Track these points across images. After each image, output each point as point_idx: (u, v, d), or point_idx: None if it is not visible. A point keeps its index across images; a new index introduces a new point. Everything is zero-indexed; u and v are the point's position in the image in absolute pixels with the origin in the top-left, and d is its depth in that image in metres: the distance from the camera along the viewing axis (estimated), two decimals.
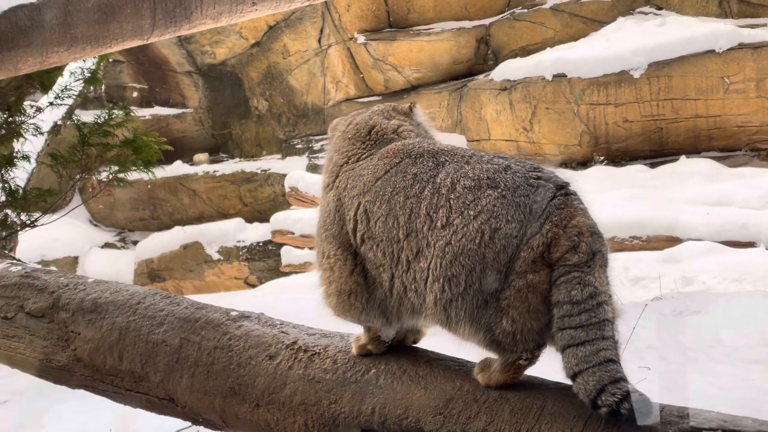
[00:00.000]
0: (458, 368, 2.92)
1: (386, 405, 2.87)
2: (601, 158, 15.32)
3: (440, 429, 2.76)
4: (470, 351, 2.89)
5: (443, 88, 17.68)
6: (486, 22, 17.80)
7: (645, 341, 7.11)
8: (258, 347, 3.21)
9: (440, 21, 17.95)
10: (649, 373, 6.05)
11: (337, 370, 3.02)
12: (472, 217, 2.85)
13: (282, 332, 3.24)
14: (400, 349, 3.06)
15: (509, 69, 16.31)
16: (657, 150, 15.11)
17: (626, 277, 10.47)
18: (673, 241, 11.63)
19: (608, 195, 13.19)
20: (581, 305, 2.73)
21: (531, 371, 2.89)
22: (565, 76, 15.49)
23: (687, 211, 11.89)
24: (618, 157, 15.29)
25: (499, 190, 2.86)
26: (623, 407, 2.58)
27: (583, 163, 15.43)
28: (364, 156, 3.28)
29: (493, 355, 2.89)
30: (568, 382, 2.70)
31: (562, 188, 2.89)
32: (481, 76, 17.32)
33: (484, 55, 17.86)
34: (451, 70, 17.84)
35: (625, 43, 15.31)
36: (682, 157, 14.61)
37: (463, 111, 17.02)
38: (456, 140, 16.97)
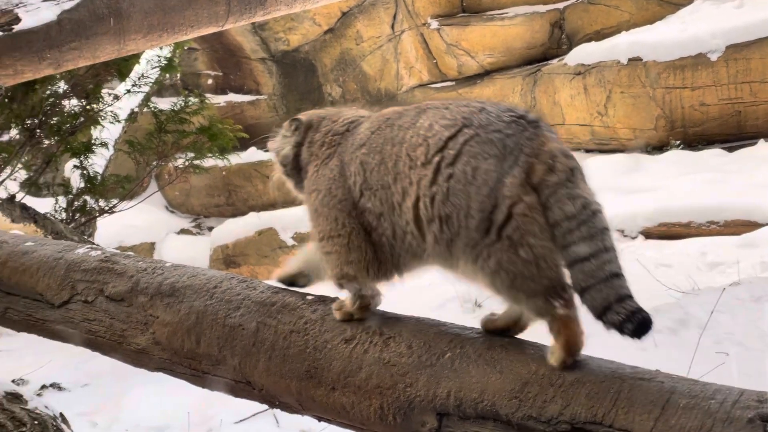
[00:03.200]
0: (533, 352, 2.90)
1: (462, 389, 2.87)
2: (677, 143, 15.11)
3: (516, 412, 2.75)
4: (545, 334, 2.88)
5: (517, 73, 17.57)
6: (560, 6, 17.65)
7: (723, 326, 7.04)
8: (334, 331, 3.22)
9: (514, 5, 17.84)
10: (728, 358, 6.00)
11: (412, 354, 3.02)
12: (453, 156, 3.03)
13: None
14: (475, 335, 3.06)
15: (583, 53, 16.17)
16: (734, 134, 14.86)
17: (703, 262, 10.35)
18: (751, 225, 11.46)
19: (684, 179, 13.05)
20: (578, 218, 2.85)
21: (605, 354, 2.87)
22: (641, 59, 15.30)
23: (766, 196, 11.71)
24: (694, 142, 15.08)
25: (474, 128, 3.03)
26: (626, 327, 2.74)
27: (659, 148, 15.25)
28: (363, 123, 3.48)
29: (529, 313, 2.97)
30: (644, 366, 2.73)
31: (533, 122, 3.04)
32: (555, 61, 17.17)
33: (558, 40, 17.71)
34: (525, 54, 17.72)
35: (702, 25, 15.07)
36: (761, 141, 14.37)
37: (536, 96, 16.91)
38: None
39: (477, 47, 17.83)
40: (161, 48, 11.04)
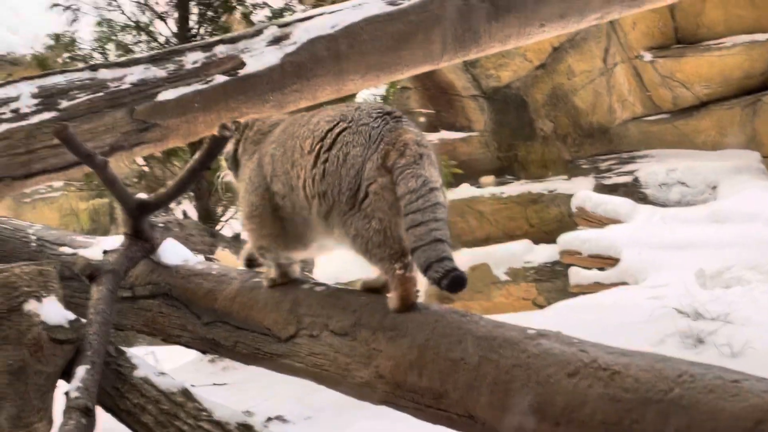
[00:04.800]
0: None
1: (690, 426, 2.80)
2: None
3: None
4: None
5: (735, 104, 17.10)
6: None
7: None
8: (556, 365, 3.20)
9: (731, 35, 17.36)
10: None
11: (638, 389, 2.97)
12: (329, 144, 3.77)
13: (581, 350, 3.21)
14: (703, 371, 2.98)
15: None
16: None
17: None
18: None
19: None
20: (417, 192, 3.53)
21: None
22: None
23: None
24: None
25: (347, 122, 3.78)
26: (443, 282, 3.42)
27: None
28: (280, 123, 4.27)
29: (375, 270, 3.75)
30: None
31: (396, 117, 3.79)
32: None
33: None
34: (743, 84, 17.23)
35: None
36: None
37: (756, 126, 16.41)
38: (748, 157, 16.39)
39: (693, 78, 17.45)
40: (376, 87, 11.25)
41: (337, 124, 3.80)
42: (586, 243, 13.79)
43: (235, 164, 4.42)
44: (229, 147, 4.43)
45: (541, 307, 15.65)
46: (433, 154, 3.70)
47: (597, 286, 12.57)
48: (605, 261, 13.26)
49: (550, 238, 16.70)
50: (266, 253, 4.19)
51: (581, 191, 15.70)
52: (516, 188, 18.76)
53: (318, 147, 3.80)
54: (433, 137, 18.73)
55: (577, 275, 13.67)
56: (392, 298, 3.68)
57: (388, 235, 3.63)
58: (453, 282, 3.43)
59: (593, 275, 13.26)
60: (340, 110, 3.90)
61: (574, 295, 13.11)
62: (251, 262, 4.46)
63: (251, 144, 4.33)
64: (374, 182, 3.64)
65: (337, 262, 14.28)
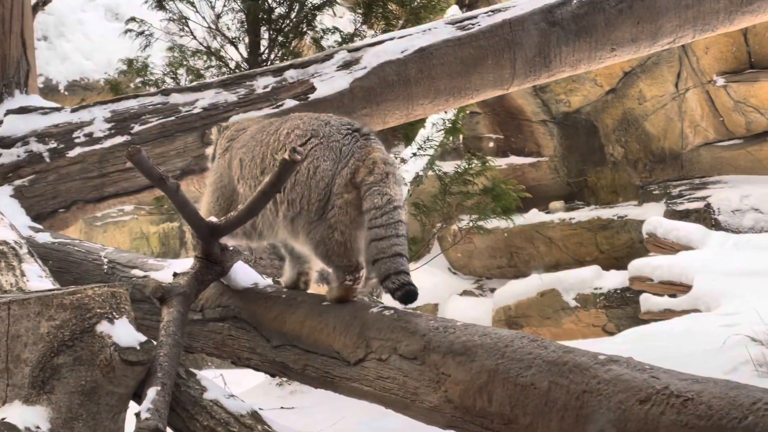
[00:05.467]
0: None
1: None
2: None
3: None
4: None
5: None
6: None
7: None
8: (628, 391, 3.17)
9: None
10: None
11: (711, 417, 2.93)
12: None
13: (652, 377, 3.17)
14: None
15: None
16: None
17: None
18: None
19: None
20: (383, 209, 3.89)
21: None
22: None
23: None
24: None
25: (320, 138, 4.14)
26: (396, 294, 3.86)
27: None
28: (245, 131, 4.66)
29: (332, 275, 4.15)
30: None
31: (365, 135, 4.16)
32: None
33: None
34: None
35: None
36: None
37: None
38: None
39: (767, 103, 17.24)
40: (446, 112, 11.26)
41: (310, 139, 4.15)
42: (657, 269, 13.64)
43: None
44: (209, 148, 4.94)
45: (611, 333, 15.50)
46: (397, 172, 4.11)
47: (668, 313, 12.42)
48: (677, 288, 13.11)
49: (620, 264, 16.57)
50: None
51: (652, 217, 15.54)
52: (586, 214, 18.65)
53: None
54: (502, 162, 18.69)
55: (648, 302, 13.52)
56: (332, 294, 4.21)
57: (348, 248, 4.07)
58: (406, 294, 3.90)
59: (664, 302, 13.10)
60: (309, 124, 4.26)
61: (645, 322, 12.97)
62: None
63: (226, 143, 4.73)
64: (341, 197, 4.04)
65: None
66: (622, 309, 16.30)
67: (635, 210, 18.03)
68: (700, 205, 16.99)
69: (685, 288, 12.82)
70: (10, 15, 7.08)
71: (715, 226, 16.16)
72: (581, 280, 16.95)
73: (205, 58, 10.89)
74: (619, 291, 16.43)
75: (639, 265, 14.06)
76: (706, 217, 16.60)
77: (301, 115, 4.46)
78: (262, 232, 4.44)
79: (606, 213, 18.42)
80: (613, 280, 16.66)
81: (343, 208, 4.02)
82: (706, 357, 7.83)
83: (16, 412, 3.61)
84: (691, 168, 18.12)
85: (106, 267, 5.40)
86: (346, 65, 6.81)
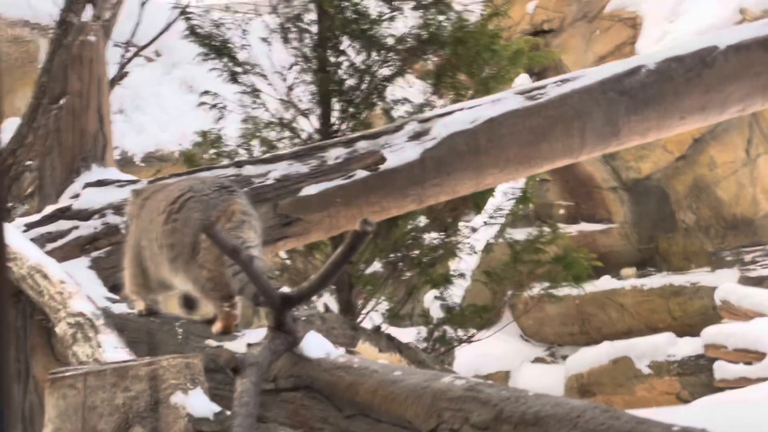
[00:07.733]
0: None
1: None
2: None
3: None
4: None
5: None
6: None
7: None
8: None
9: None
10: None
11: None
12: (177, 208, 4.78)
13: None
14: None
15: None
16: None
17: None
18: None
19: None
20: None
21: None
22: None
23: None
24: None
25: (192, 192, 4.83)
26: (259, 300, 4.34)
27: None
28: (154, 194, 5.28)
29: (210, 306, 4.84)
30: None
31: (230, 190, 4.86)
32: None
33: None
34: None
35: None
36: None
37: None
38: None
39: None
40: (516, 180, 11.28)
41: (185, 193, 4.85)
42: (731, 337, 13.50)
43: None
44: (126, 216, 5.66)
45: (685, 401, 15.30)
46: (254, 220, 4.77)
47: (743, 381, 12.28)
48: (752, 355, 12.95)
49: (693, 332, 16.37)
50: (136, 294, 5.28)
51: (725, 284, 15.39)
52: (658, 280, 18.48)
53: (169, 209, 4.84)
54: (573, 229, 18.63)
55: (723, 369, 13.36)
56: (217, 326, 4.80)
57: (217, 282, 4.67)
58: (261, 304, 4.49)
59: (739, 370, 12.95)
60: (188, 182, 5.06)
61: (720, 389, 12.83)
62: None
63: (137, 208, 5.33)
64: (206, 241, 4.48)
65: (474, 353, 14.26)
66: (697, 377, 16.06)
67: (708, 276, 17.84)
68: None
69: (760, 355, 12.67)
70: (87, 90, 7.26)
71: None
72: (654, 347, 16.75)
73: (277, 129, 11.02)
74: (693, 358, 16.20)
75: (713, 333, 13.93)
76: None
77: (188, 177, 5.76)
78: (160, 279, 5.06)
79: (678, 279, 18.24)
80: (687, 347, 16.45)
81: (208, 249, 4.60)
82: None
83: None
84: (764, 234, 17.92)
85: (180, 337, 5.47)
86: (416, 136, 6.86)
